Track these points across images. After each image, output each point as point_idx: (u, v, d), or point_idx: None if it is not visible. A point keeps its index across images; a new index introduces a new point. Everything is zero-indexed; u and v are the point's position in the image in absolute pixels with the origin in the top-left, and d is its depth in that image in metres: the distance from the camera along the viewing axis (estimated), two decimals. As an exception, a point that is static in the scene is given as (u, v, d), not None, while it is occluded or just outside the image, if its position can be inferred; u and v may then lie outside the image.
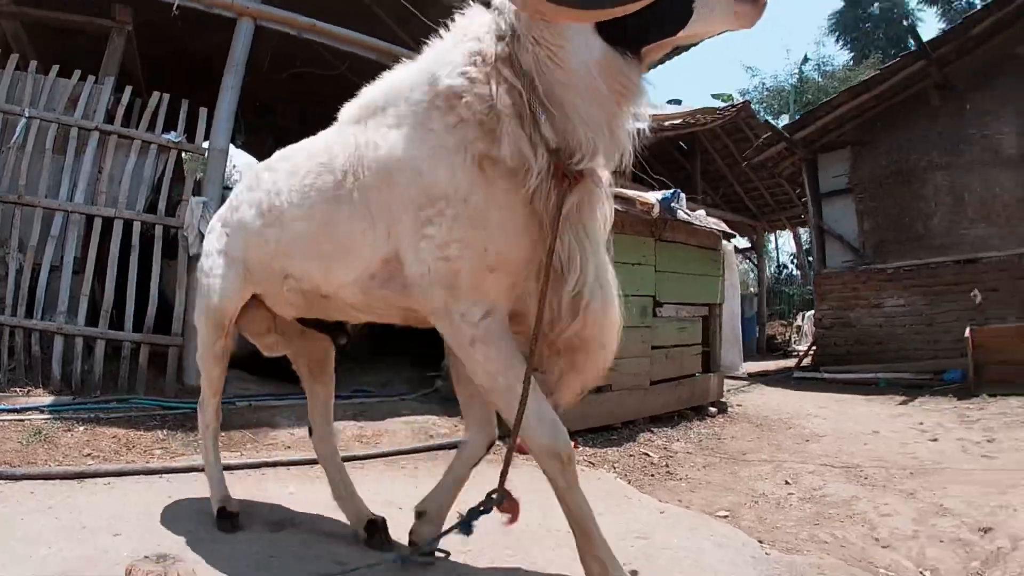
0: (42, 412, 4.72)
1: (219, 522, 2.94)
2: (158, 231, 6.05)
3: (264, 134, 11.29)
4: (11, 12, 6.81)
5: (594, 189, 2.08)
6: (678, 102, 16.66)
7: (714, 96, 23.07)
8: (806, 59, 30.57)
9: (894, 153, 10.77)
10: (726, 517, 3.62)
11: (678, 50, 6.37)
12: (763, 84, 30.63)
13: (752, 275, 22.98)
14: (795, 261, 27.27)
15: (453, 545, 2.44)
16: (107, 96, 6.13)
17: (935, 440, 5.69)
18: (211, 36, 6.92)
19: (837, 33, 32.47)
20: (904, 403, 7.93)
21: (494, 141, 1.96)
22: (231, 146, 7.04)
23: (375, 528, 2.85)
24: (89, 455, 4.10)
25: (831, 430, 6.27)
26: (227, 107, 6.29)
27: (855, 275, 10.92)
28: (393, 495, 3.49)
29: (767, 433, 6.25)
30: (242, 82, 6.40)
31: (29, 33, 7.22)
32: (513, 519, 2.15)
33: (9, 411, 4.63)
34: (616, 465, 4.73)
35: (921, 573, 2.91)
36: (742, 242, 18.67)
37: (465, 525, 2.12)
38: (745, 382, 10.22)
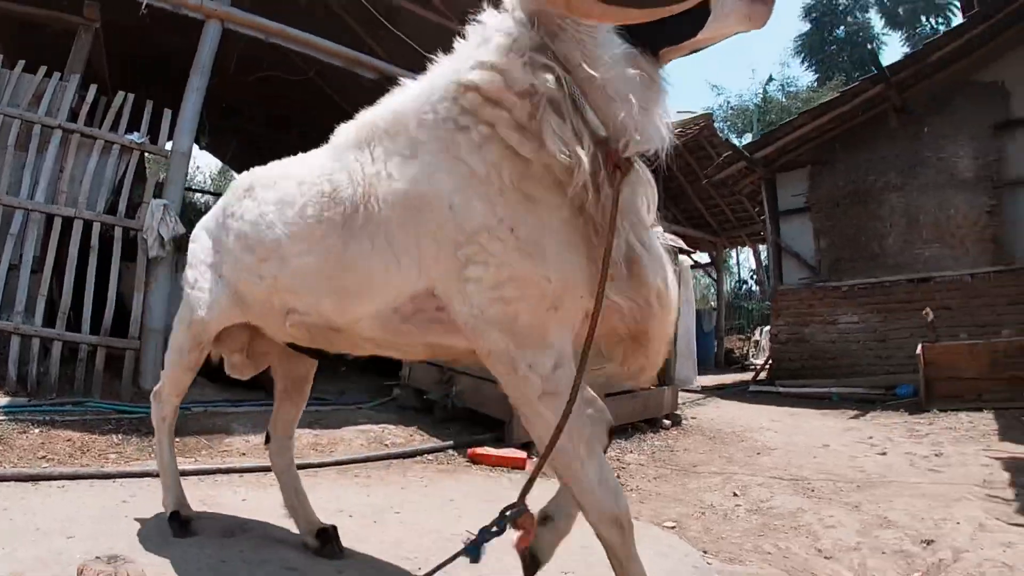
0: (-3, 413, 4.65)
1: (172, 526, 2.92)
2: (117, 233, 5.99)
3: (228, 136, 11.23)
4: (-25, 5, 6.71)
5: (640, 175, 1.92)
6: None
7: (680, 113, 23.35)
8: (771, 79, 31.25)
9: (852, 173, 11.04)
10: (673, 527, 3.68)
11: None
12: (728, 103, 31.23)
13: (712, 290, 23.26)
14: (755, 277, 27.65)
15: (396, 552, 2.45)
16: (72, 94, 6.07)
17: (884, 454, 5.80)
18: (178, 37, 6.88)
19: (803, 55, 33.07)
20: (856, 417, 8.09)
21: (533, 149, 1.79)
22: (195, 147, 7.00)
23: (327, 537, 2.85)
24: (44, 458, 4.07)
25: (782, 443, 6.38)
26: (191, 109, 6.26)
27: (811, 292, 11.14)
28: (345, 503, 3.52)
29: (719, 446, 6.35)
30: (208, 84, 6.38)
31: (-6, 27, 7.12)
32: (527, 536, 1.87)
33: (-38, 412, 4.55)
34: (569, 476, 4.76)
35: (860, 584, 2.96)
36: (703, 257, 18.89)
37: (473, 549, 1.76)
38: (700, 395, 10.34)
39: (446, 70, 1.99)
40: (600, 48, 1.77)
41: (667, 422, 7.10)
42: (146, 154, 6.52)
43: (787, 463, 5.49)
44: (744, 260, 29.35)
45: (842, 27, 32.52)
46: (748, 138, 24.06)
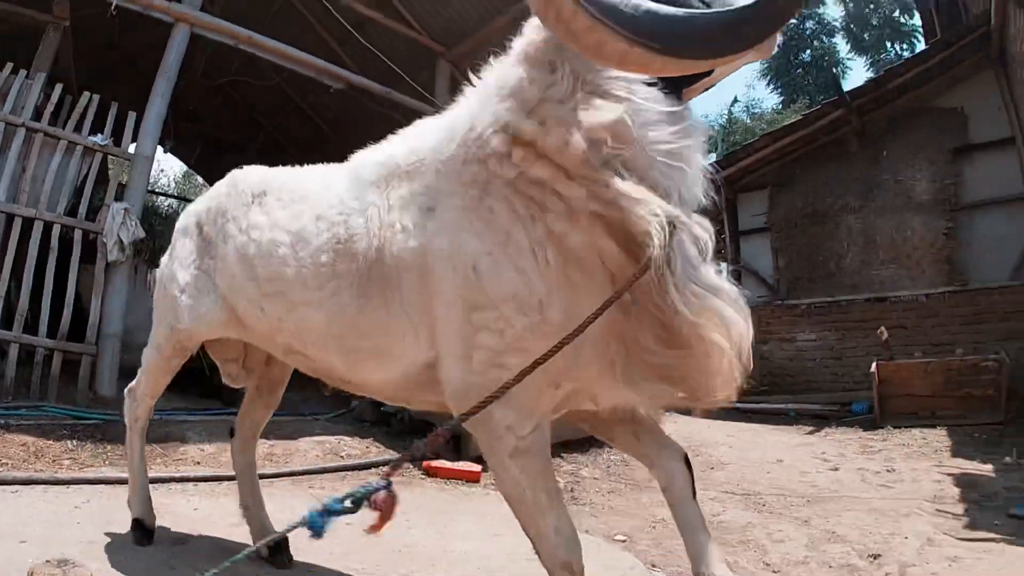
0: (-50, 417, 4.56)
1: (135, 534, 2.88)
2: (77, 235, 5.91)
3: (194, 140, 11.11)
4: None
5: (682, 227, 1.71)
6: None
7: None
8: (736, 100, 31.66)
9: (811, 194, 11.25)
10: (624, 541, 3.71)
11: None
12: (693, 123, 31.51)
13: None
14: (716, 295, 27.86)
15: (345, 563, 2.46)
16: (37, 92, 5.98)
17: (836, 469, 5.86)
18: (147, 39, 6.84)
19: (769, 77, 33.56)
20: (811, 433, 8.18)
21: (580, 233, 1.68)
22: (160, 149, 6.95)
23: (278, 545, 2.81)
24: (-2, 462, 4.01)
25: (737, 458, 6.43)
26: (156, 112, 6.22)
27: (769, 310, 11.26)
28: (297, 514, 3.48)
29: (674, 461, 6.34)
30: (175, 88, 6.35)
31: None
32: (383, 520, 1.53)
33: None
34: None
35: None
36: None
37: (316, 521, 1.49)
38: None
39: (472, 110, 1.89)
40: (643, 102, 1.69)
41: (624, 437, 7.09)
42: (109, 156, 6.44)
43: (740, 478, 5.54)
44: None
45: (808, 51, 33.08)
46: (712, 158, 24.33)
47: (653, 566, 3.26)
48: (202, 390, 6.53)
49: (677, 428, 8.43)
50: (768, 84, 33.95)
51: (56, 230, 5.80)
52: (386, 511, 1.50)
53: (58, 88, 6.08)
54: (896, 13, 31.97)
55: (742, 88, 61.49)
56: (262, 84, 7.73)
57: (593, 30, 1.39)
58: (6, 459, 4.07)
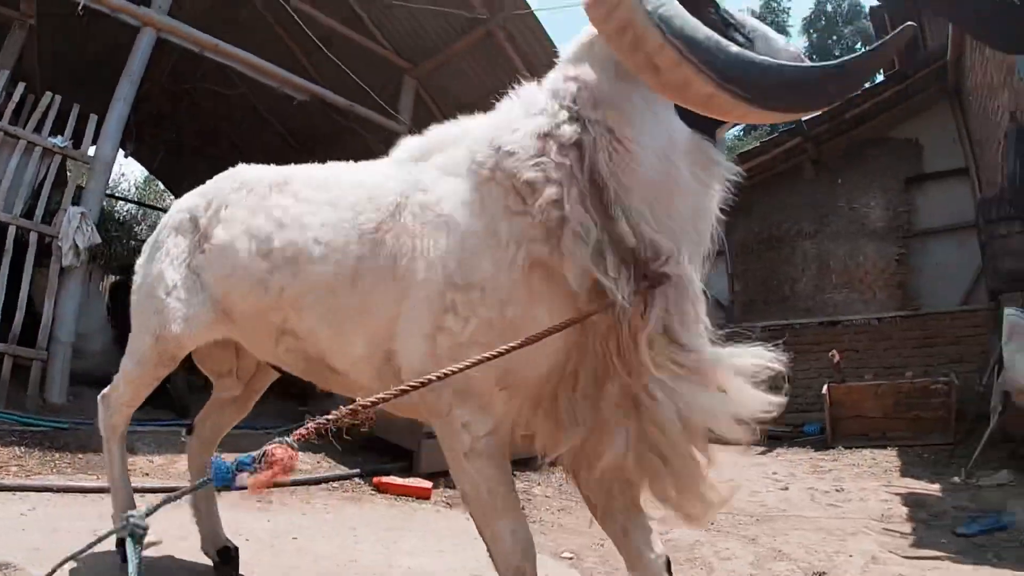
0: None
1: (120, 551, 2.60)
2: (32, 238, 5.80)
3: (156, 145, 10.97)
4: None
5: (679, 280, 1.78)
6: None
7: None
8: (696, 127, 31.95)
9: (767, 220, 11.52)
10: (571, 559, 3.74)
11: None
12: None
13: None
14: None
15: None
16: (-1, 90, 5.89)
17: (786, 489, 5.96)
18: (113, 41, 6.78)
19: (730, 103, 34.13)
20: (763, 453, 8.28)
21: (554, 252, 1.72)
22: (120, 153, 6.87)
23: (228, 555, 2.81)
24: (-58, 467, 3.92)
25: (687, 478, 6.47)
26: (118, 116, 6.15)
27: (724, 333, 11.40)
28: (243, 527, 3.48)
29: (626, 480, 6.38)
30: (139, 92, 6.29)
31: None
32: (274, 475, 1.46)
33: None
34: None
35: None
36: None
37: (222, 472, 1.51)
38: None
39: (488, 131, 1.91)
40: (645, 145, 1.72)
41: (580, 456, 7.12)
42: (68, 159, 6.34)
43: (690, 497, 5.56)
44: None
45: (771, 79, 33.72)
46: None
47: (598, 583, 3.29)
48: (154, 401, 6.41)
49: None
50: (729, 112, 34.46)
51: (11, 232, 5.69)
52: (281, 467, 1.47)
53: (20, 87, 5.99)
54: (859, 45, 32.82)
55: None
56: (228, 92, 7.68)
57: (679, 68, 1.34)
58: (-49, 464, 3.99)
